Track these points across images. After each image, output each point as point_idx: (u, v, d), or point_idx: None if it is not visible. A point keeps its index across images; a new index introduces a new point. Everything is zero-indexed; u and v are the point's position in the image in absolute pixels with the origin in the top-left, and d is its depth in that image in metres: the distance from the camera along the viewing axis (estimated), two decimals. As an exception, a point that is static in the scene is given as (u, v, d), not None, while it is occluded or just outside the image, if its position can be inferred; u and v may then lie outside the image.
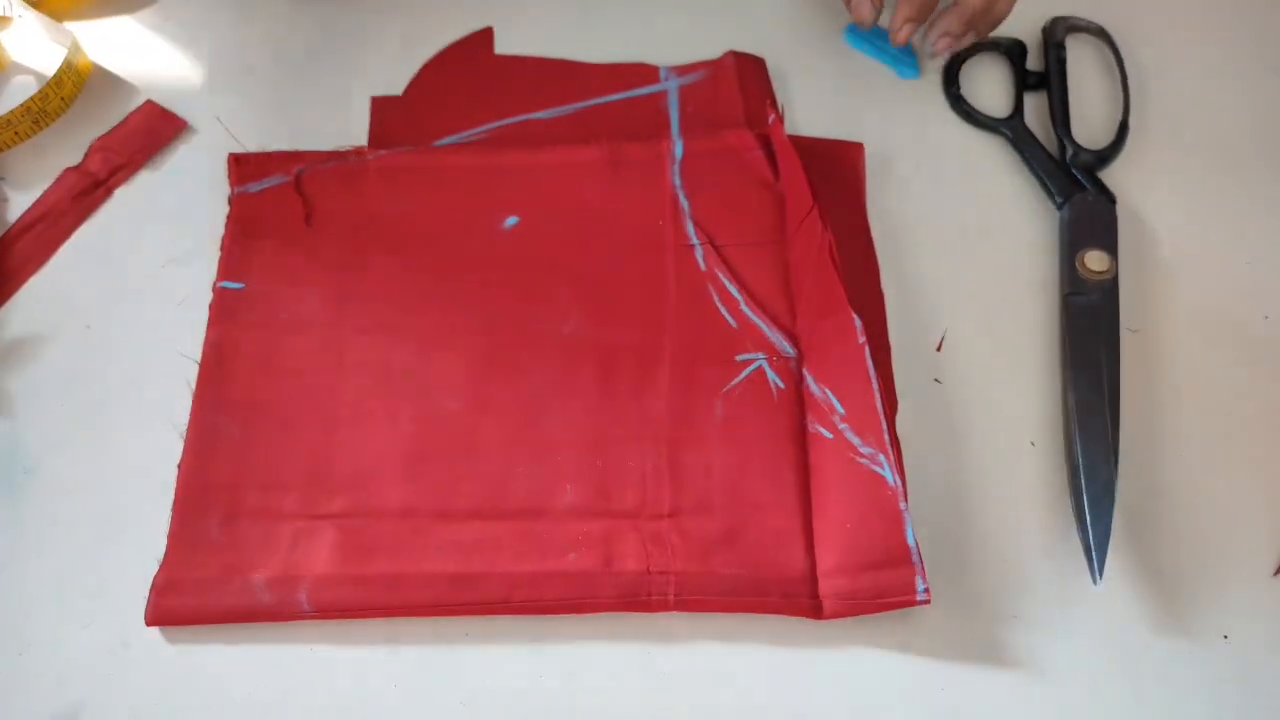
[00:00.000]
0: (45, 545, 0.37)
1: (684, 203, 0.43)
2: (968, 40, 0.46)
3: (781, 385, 0.38)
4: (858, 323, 0.37)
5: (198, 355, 0.40)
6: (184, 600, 0.35)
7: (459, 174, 0.44)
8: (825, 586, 0.35)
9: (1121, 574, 0.36)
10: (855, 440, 0.36)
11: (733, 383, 0.39)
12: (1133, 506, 0.37)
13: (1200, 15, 0.49)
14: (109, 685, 0.34)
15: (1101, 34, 0.48)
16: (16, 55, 0.48)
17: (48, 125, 0.46)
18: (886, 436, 0.36)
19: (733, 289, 0.41)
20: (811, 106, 0.46)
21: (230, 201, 0.43)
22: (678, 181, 0.43)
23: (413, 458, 0.38)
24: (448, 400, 0.39)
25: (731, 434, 0.38)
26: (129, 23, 0.49)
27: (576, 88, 0.47)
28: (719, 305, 0.40)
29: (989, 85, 0.47)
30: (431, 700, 0.34)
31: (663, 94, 0.46)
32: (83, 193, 0.44)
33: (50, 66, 0.46)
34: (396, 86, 0.47)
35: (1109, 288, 0.40)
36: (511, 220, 0.43)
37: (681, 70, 0.47)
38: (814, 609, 0.34)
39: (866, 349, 0.37)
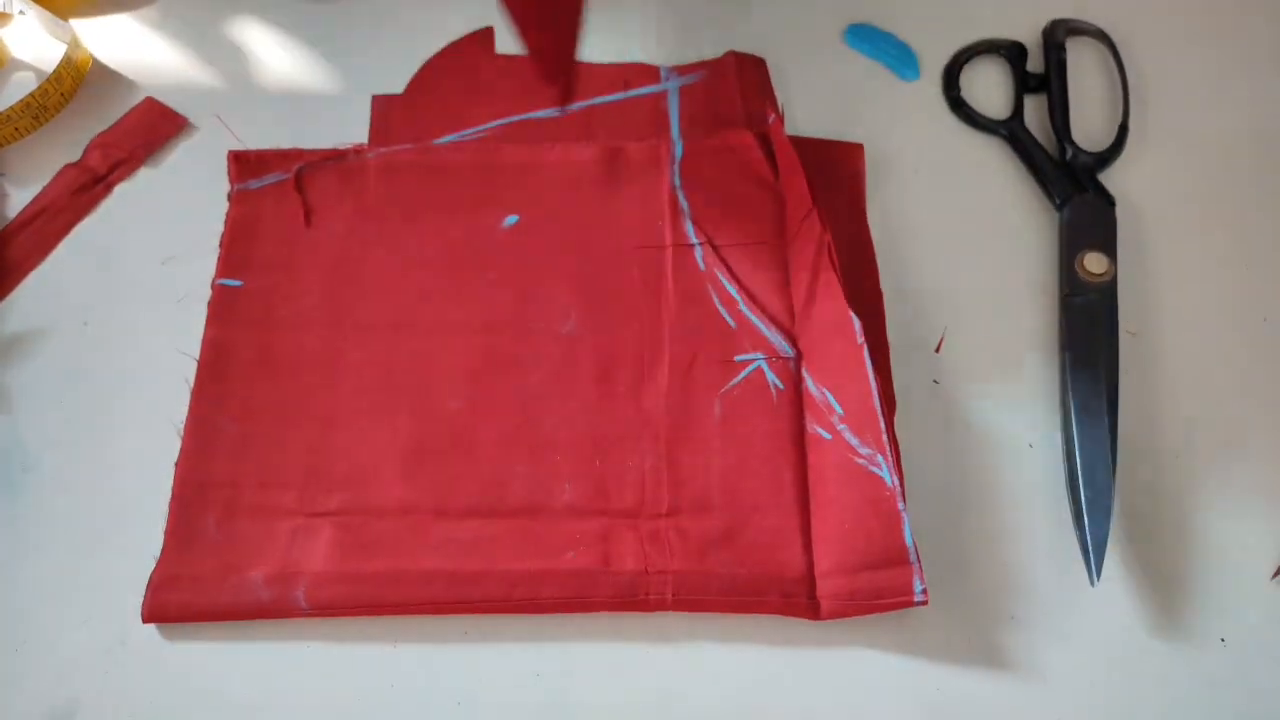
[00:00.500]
0: (42, 542, 0.37)
1: (683, 202, 0.43)
2: None
3: (780, 385, 0.38)
4: (856, 323, 0.37)
5: (196, 353, 0.40)
6: (181, 597, 0.35)
7: (459, 173, 0.44)
8: (823, 587, 0.35)
9: (1119, 576, 0.36)
10: (854, 441, 0.36)
11: (731, 383, 0.39)
12: (1131, 508, 0.37)
13: (1200, 18, 0.49)
14: (106, 682, 0.34)
15: (1102, 36, 0.48)
16: (16, 51, 0.47)
17: (47, 121, 0.46)
18: (885, 437, 0.36)
19: (731, 289, 0.41)
20: (811, 107, 0.46)
21: (229, 199, 0.43)
22: (677, 181, 0.43)
23: (411, 456, 0.37)
24: (446, 399, 0.39)
25: (730, 434, 0.38)
26: (129, 19, 0.49)
27: (577, 87, 0.47)
28: (718, 305, 0.40)
29: (989, 87, 0.47)
30: (429, 698, 0.34)
31: (663, 94, 0.46)
32: (82, 189, 0.44)
33: (50, 62, 0.46)
34: (397, 85, 0.47)
35: (1108, 289, 0.40)
36: (511, 219, 0.43)
37: (682, 70, 0.47)
38: (812, 609, 0.34)
39: (865, 349, 0.37)
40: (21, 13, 0.48)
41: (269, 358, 0.40)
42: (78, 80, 0.46)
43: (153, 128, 0.45)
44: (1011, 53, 0.48)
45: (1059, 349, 0.40)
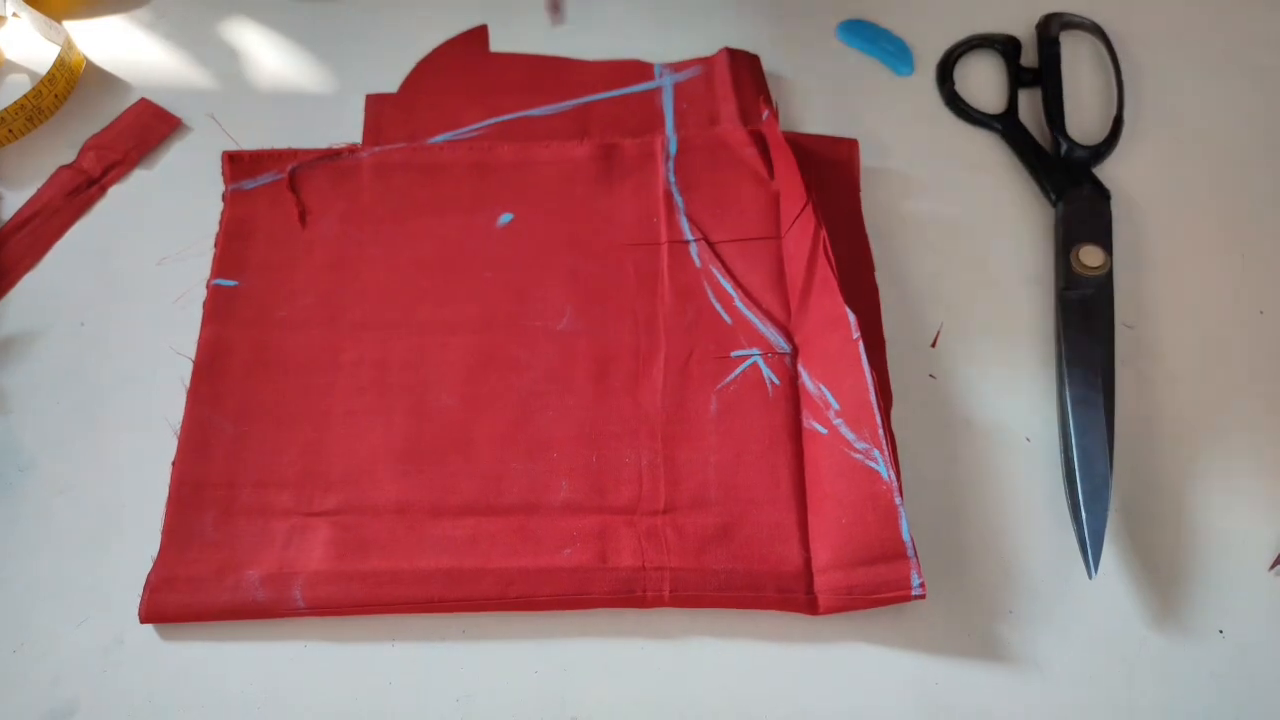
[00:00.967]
0: (40, 542, 0.37)
1: (678, 199, 0.43)
2: None
3: (776, 381, 0.38)
4: (852, 318, 0.37)
5: (192, 353, 0.40)
6: (178, 597, 0.35)
7: (453, 171, 0.44)
8: (820, 582, 0.35)
9: (1117, 569, 0.36)
10: (850, 435, 0.36)
11: (728, 379, 0.39)
12: (1128, 501, 0.37)
13: (1194, 11, 0.49)
14: (103, 682, 0.34)
15: (1096, 30, 0.48)
16: (10, 53, 0.47)
17: (41, 123, 0.46)
18: (881, 432, 0.35)
19: (727, 285, 0.41)
20: (806, 103, 0.46)
21: (224, 199, 0.43)
22: (672, 178, 0.43)
23: (407, 454, 0.37)
24: (442, 397, 0.39)
25: (726, 430, 0.38)
26: (122, 20, 0.49)
27: (571, 85, 0.47)
28: (713, 301, 0.40)
29: (983, 81, 0.47)
30: (426, 697, 0.34)
31: (657, 91, 0.46)
32: (76, 190, 0.44)
33: (44, 64, 0.46)
34: (391, 84, 0.47)
35: (1104, 283, 0.40)
36: (506, 217, 0.43)
37: (676, 67, 0.47)
38: (809, 604, 0.34)
39: (861, 345, 0.37)
40: (15, 15, 0.48)
41: (265, 358, 0.39)
42: (72, 82, 0.46)
43: (147, 129, 0.45)
44: (1006, 47, 0.48)
45: (1055, 342, 0.40)
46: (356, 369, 0.39)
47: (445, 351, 0.40)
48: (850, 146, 0.44)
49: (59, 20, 0.48)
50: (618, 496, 0.37)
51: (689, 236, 0.42)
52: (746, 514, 0.36)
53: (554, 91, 0.46)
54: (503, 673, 0.34)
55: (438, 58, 0.48)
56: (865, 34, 0.48)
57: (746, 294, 0.40)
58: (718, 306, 0.40)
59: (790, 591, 0.35)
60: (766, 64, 0.47)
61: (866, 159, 0.44)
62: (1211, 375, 0.40)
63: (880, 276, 0.41)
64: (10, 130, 0.45)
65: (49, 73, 0.45)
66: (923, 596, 0.34)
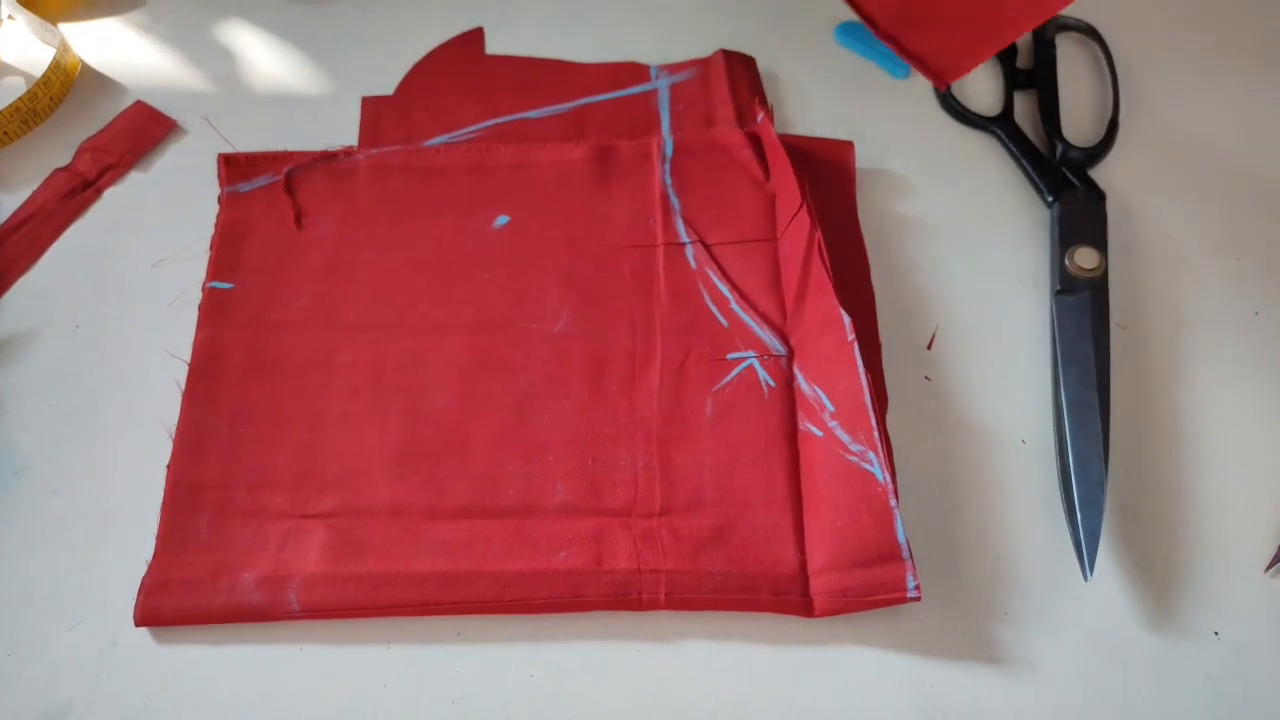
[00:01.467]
0: (33, 545, 0.36)
1: (674, 201, 0.43)
2: None
3: (772, 383, 0.38)
4: (848, 320, 0.37)
5: (187, 355, 0.40)
6: (173, 600, 0.35)
7: (449, 173, 0.44)
8: (816, 584, 0.35)
9: (1112, 570, 0.36)
10: (845, 438, 0.36)
11: (723, 381, 0.39)
12: (1123, 503, 0.37)
13: (1189, 13, 0.49)
14: (97, 685, 0.34)
15: (1091, 32, 0.48)
16: (5, 55, 0.47)
17: (36, 125, 0.45)
18: (877, 434, 0.35)
19: (723, 287, 0.41)
20: (802, 105, 0.46)
21: (220, 202, 0.43)
22: (668, 180, 0.43)
23: (403, 457, 0.37)
24: (438, 399, 0.39)
25: (722, 432, 0.38)
26: (118, 23, 0.49)
27: (567, 87, 0.47)
28: (709, 304, 0.40)
29: (979, 84, 0.47)
30: (422, 700, 0.34)
31: (653, 93, 0.46)
32: (72, 193, 0.44)
33: (39, 66, 0.46)
34: (387, 86, 0.47)
35: (1099, 284, 0.40)
36: (502, 219, 0.43)
37: (672, 69, 0.47)
38: (805, 607, 0.34)
39: (856, 347, 0.37)
40: (10, 17, 0.48)
41: (260, 360, 0.39)
42: (67, 84, 0.46)
43: (142, 131, 0.45)
44: (1001, 49, 0.48)
45: (1051, 344, 0.40)
46: (352, 371, 0.39)
47: (441, 353, 0.40)
48: (846, 148, 0.44)
49: (54, 22, 0.48)
50: (613, 499, 0.37)
51: (685, 238, 0.42)
52: (742, 516, 0.36)
53: (550, 93, 0.46)
54: (498, 675, 0.34)
55: (434, 60, 0.48)
56: (862, 36, 0.48)
57: (742, 296, 0.40)
58: (714, 309, 0.40)
59: (786, 594, 0.35)
60: (763, 66, 0.47)
61: (862, 161, 0.44)
62: (1207, 376, 0.40)
63: (876, 278, 0.41)
64: (5, 133, 0.45)
65: (44, 75, 0.45)
66: (918, 598, 0.33)
